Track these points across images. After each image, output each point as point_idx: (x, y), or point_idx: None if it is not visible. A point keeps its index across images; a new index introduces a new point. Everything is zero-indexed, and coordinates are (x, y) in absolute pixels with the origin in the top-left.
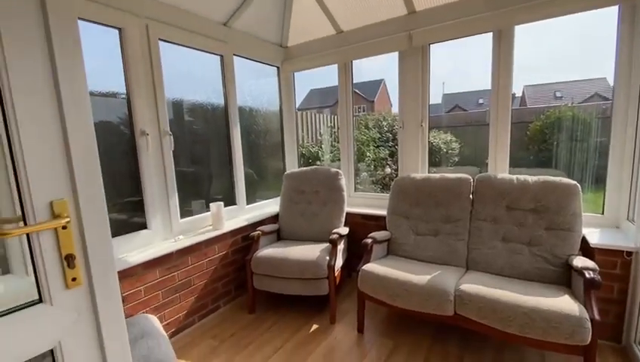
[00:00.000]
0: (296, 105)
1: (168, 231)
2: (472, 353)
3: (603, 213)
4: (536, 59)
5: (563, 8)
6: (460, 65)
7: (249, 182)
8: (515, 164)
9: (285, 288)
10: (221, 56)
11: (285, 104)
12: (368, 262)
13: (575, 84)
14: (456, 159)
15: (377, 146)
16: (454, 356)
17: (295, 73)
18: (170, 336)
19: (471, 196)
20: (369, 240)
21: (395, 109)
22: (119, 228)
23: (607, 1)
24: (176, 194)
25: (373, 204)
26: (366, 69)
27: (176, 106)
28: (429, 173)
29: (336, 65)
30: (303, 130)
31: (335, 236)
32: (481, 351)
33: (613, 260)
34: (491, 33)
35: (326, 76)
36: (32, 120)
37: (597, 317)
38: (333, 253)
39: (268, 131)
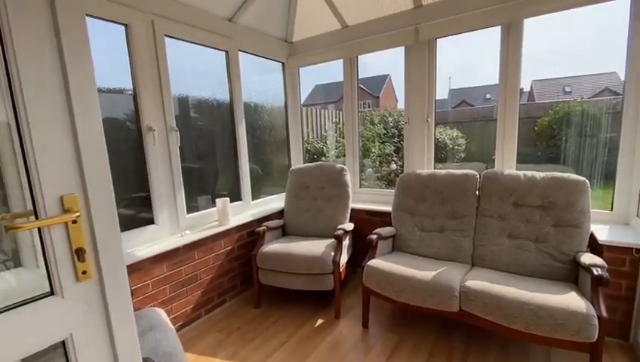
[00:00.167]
0: (301, 101)
1: (175, 227)
2: (477, 348)
3: (612, 210)
4: (546, 54)
5: (574, 1)
6: (467, 60)
7: (254, 178)
8: (522, 160)
9: (290, 283)
10: (226, 51)
11: (290, 100)
12: (373, 257)
13: (585, 79)
14: (463, 155)
15: (383, 142)
16: (459, 351)
17: (300, 69)
18: (178, 329)
19: (477, 192)
20: (374, 236)
21: (400, 105)
22: (127, 224)
23: None
24: (183, 189)
25: (378, 200)
26: (371, 64)
27: (182, 102)
28: (434, 169)
29: (341, 61)
30: (307, 125)
31: (340, 232)
32: (486, 346)
33: (622, 257)
34: (500, 27)
35: (331, 72)
36: (42, 116)
37: (604, 314)
38: (338, 248)
39: (273, 127)
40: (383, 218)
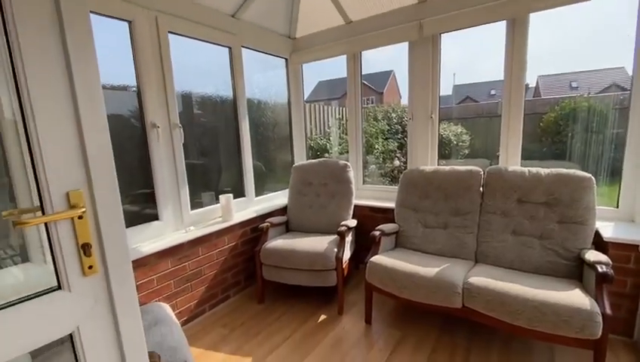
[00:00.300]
0: (305, 98)
1: (179, 223)
2: (480, 345)
3: (618, 207)
4: (552, 49)
5: None
6: (471, 56)
7: (258, 175)
8: (527, 156)
9: (294, 279)
10: (229, 48)
11: (293, 96)
12: (376, 254)
13: (591, 74)
14: (467, 151)
15: (386, 138)
16: (462, 347)
17: (303, 65)
18: (182, 324)
19: (481, 189)
20: (377, 233)
21: (404, 101)
22: (132, 220)
23: None
24: (187, 186)
25: (381, 196)
26: (375, 60)
27: (186, 99)
28: (438, 165)
29: (344, 57)
30: (311, 122)
31: (343, 228)
32: (489, 343)
33: (627, 254)
34: (505, 22)
35: (334, 68)
36: (47, 112)
37: (608, 311)
38: (341, 245)
39: (276, 123)
40: (386, 214)
